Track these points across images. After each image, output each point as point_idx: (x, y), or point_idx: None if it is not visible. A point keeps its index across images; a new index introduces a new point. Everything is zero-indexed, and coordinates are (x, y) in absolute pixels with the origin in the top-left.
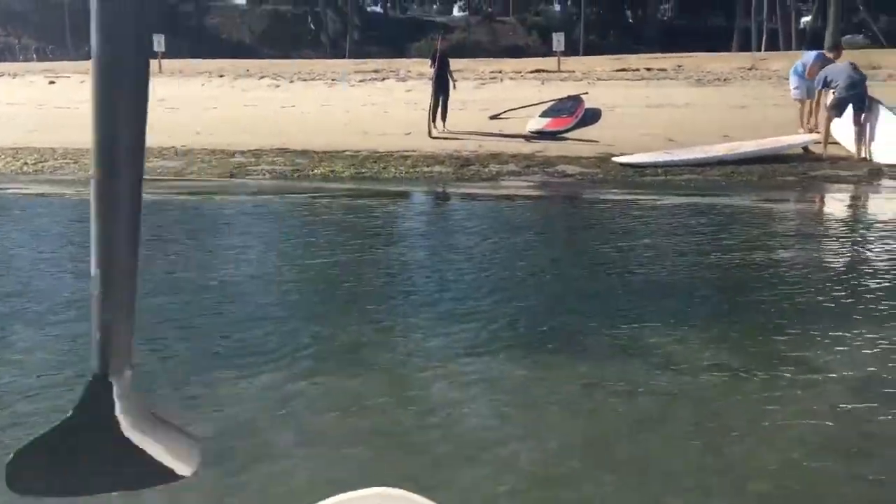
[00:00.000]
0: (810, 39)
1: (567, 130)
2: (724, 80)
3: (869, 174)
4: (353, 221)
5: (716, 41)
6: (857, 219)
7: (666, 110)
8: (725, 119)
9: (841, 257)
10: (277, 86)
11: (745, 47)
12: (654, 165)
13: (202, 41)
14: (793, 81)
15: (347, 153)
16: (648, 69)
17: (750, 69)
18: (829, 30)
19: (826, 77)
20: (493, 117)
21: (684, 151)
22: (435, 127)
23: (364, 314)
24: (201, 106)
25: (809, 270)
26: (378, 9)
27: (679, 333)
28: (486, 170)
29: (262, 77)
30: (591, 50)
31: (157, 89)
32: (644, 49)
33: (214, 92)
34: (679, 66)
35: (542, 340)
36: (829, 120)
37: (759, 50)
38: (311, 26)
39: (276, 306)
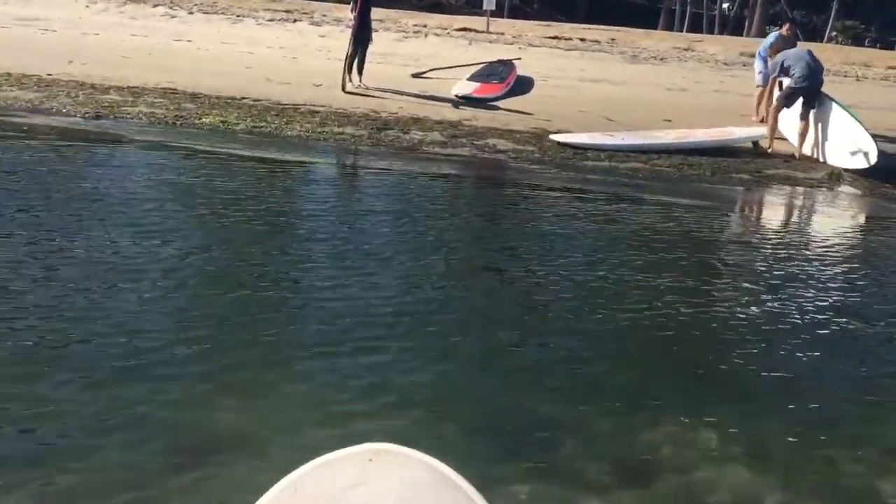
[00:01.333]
0: (732, 26)
1: (497, 98)
2: (661, 59)
3: (829, 178)
4: (230, 198)
5: (639, 18)
6: (821, 239)
7: (602, 86)
8: (665, 102)
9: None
10: (174, 16)
11: (669, 28)
12: (598, 148)
13: None
14: (758, 66)
15: (246, 101)
16: (582, 39)
17: (686, 49)
18: (756, 16)
19: (783, 62)
20: (416, 76)
21: (629, 135)
22: (350, 80)
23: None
24: (80, 30)
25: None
26: None
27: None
28: (407, 136)
29: (156, 5)
30: (516, 15)
31: (31, 7)
32: (568, 21)
33: (99, 17)
34: (612, 40)
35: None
36: (777, 111)
37: (682, 31)
38: None
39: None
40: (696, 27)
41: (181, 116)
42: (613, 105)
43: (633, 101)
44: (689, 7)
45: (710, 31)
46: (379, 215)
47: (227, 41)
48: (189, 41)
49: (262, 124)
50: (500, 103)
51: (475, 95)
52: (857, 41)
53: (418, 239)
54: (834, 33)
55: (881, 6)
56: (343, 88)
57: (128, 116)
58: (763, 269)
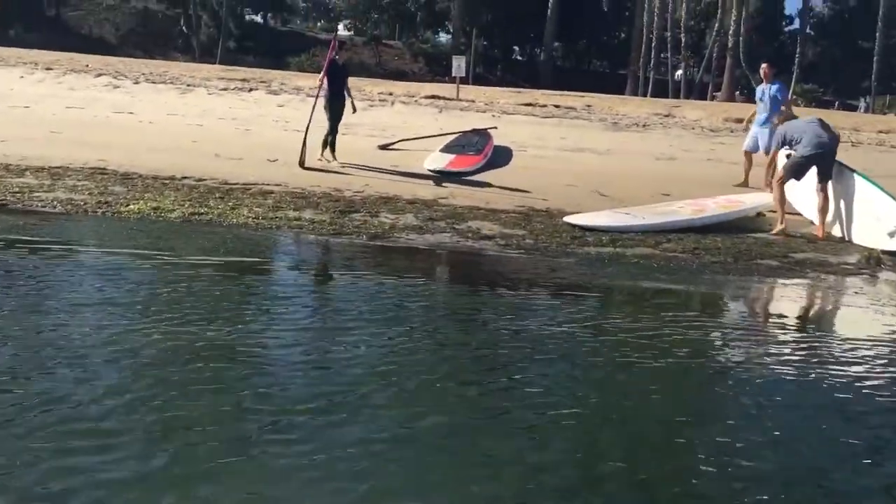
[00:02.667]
0: (699, 90)
1: (474, 172)
2: (644, 125)
3: (867, 263)
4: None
5: (603, 85)
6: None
7: (585, 156)
8: (657, 172)
9: None
10: (117, 86)
11: (635, 94)
12: (620, 230)
13: (58, 34)
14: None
15: (187, 182)
16: (557, 106)
17: (667, 116)
18: (725, 81)
19: (785, 135)
20: (384, 147)
21: (646, 213)
22: (324, 158)
23: None
24: (8, 102)
25: None
26: (258, 18)
27: None
28: (376, 220)
29: (99, 75)
30: (479, 83)
31: None
32: (533, 88)
33: (34, 88)
34: (588, 106)
35: None
36: (781, 183)
37: (646, 96)
38: (183, 29)
39: None
40: (661, 93)
41: (105, 203)
42: (602, 177)
43: (622, 172)
44: (651, 73)
45: (676, 97)
46: (342, 342)
47: (175, 112)
48: (131, 113)
49: (203, 210)
50: (477, 177)
51: (450, 169)
52: (819, 104)
53: (390, 369)
54: (793, 96)
55: (835, 69)
56: (301, 164)
57: (39, 204)
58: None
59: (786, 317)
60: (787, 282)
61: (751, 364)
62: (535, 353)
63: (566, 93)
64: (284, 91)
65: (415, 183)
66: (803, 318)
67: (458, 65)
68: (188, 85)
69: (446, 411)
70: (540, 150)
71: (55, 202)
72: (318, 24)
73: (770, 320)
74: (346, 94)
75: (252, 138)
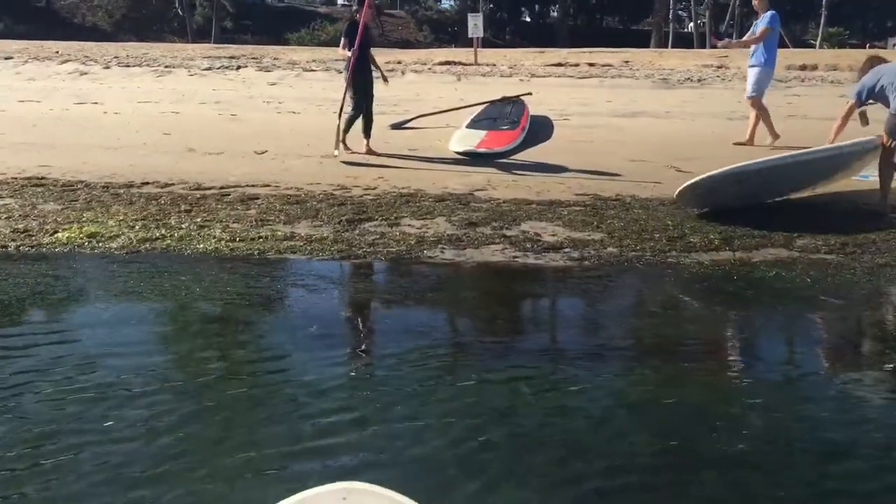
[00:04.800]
0: (700, 43)
1: (513, 150)
2: (699, 80)
3: None
4: None
5: (623, 42)
6: None
7: (643, 121)
8: (735, 135)
9: None
10: (84, 73)
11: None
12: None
13: (49, 25)
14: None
15: (148, 189)
16: (592, 64)
17: (720, 67)
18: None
19: (879, 82)
20: (396, 126)
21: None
22: (343, 147)
23: None
24: None
25: None
26: None
27: None
28: (397, 232)
29: (66, 61)
30: (490, 48)
31: None
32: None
33: None
34: (626, 62)
35: None
36: (891, 151)
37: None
38: (179, 11)
39: None
40: (686, 47)
41: (23, 231)
42: (673, 147)
43: (695, 138)
44: (671, 26)
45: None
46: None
47: (148, 99)
48: (95, 103)
49: (158, 234)
50: (518, 157)
51: (483, 150)
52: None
53: None
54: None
55: (859, 11)
56: (337, 151)
57: None
58: None
59: None
60: None
61: None
62: None
63: (596, 49)
64: (277, 67)
65: (440, 170)
66: None
67: (475, 24)
68: (166, 67)
69: None
70: (586, 118)
71: None
72: None
73: None
74: (374, 66)
75: (237, 126)
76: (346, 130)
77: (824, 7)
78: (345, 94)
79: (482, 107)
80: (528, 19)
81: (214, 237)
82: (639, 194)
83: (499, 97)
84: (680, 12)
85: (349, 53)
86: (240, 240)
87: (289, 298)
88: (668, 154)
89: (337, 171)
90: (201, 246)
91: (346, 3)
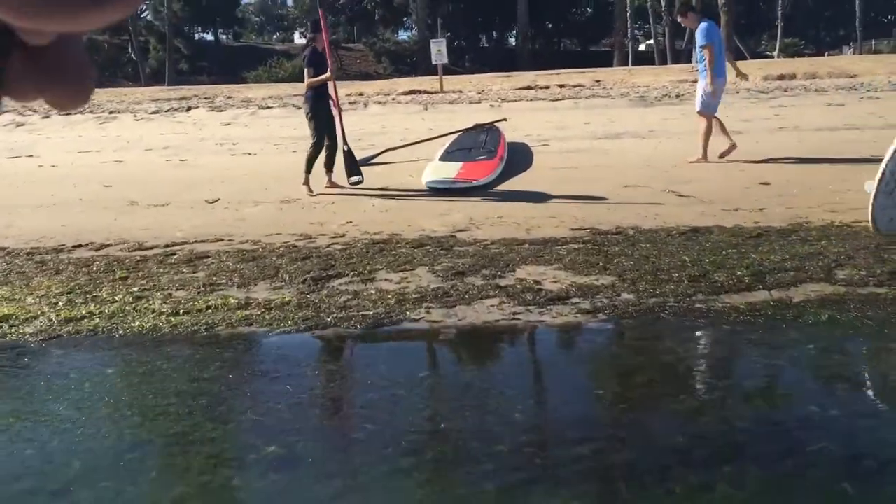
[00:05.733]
0: (660, 60)
1: (491, 182)
2: (677, 95)
3: None
4: None
5: (583, 64)
6: None
7: (626, 142)
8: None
9: None
10: (20, 124)
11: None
12: None
13: None
14: None
15: (80, 253)
16: (562, 86)
17: (695, 82)
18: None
19: None
20: (363, 163)
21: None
22: (308, 189)
23: None
24: None
25: None
26: (209, 36)
27: None
28: (373, 289)
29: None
30: (451, 76)
31: None
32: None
33: None
34: (598, 82)
35: None
36: None
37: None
38: (133, 56)
39: None
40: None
41: None
42: (666, 169)
43: (684, 157)
44: (629, 45)
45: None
46: None
47: (89, 148)
48: (31, 156)
49: (85, 312)
50: (499, 188)
51: (460, 183)
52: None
53: None
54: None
55: (811, 22)
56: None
57: None
58: None
59: None
60: None
61: None
62: None
63: (563, 71)
64: (231, 106)
65: (415, 209)
66: None
67: (438, 49)
68: (111, 112)
69: None
70: (566, 142)
71: None
72: (274, 36)
73: None
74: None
75: (187, 172)
76: (309, 170)
77: (780, 18)
78: (340, 123)
79: (454, 136)
80: (486, 45)
81: (153, 311)
82: (641, 225)
83: (471, 125)
84: (635, 31)
85: (324, 78)
86: (184, 312)
87: (238, 399)
88: (661, 177)
89: (299, 218)
90: (136, 324)
91: (302, 39)
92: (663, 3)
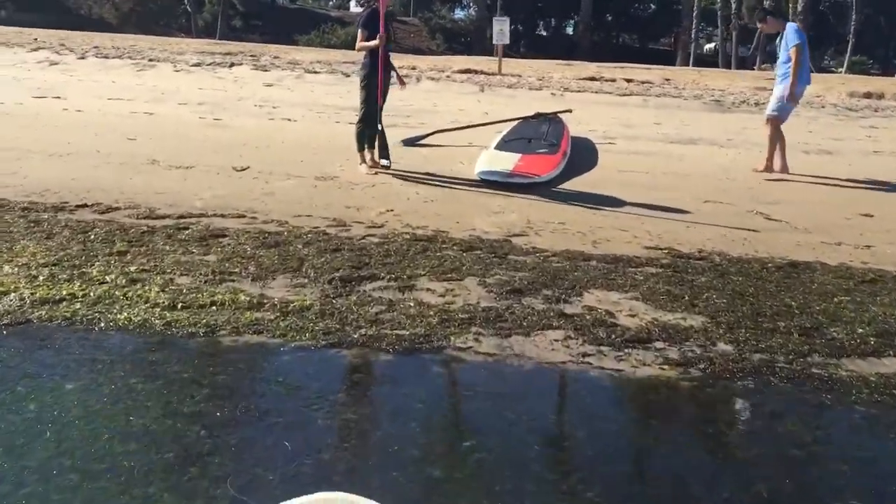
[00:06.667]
0: (724, 64)
1: (553, 180)
2: (755, 104)
3: None
4: None
5: (643, 61)
6: None
7: (703, 149)
8: (811, 171)
9: None
10: (54, 63)
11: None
12: None
13: (54, 14)
14: None
15: (82, 214)
16: (629, 80)
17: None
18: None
19: None
20: (410, 143)
21: None
22: (367, 160)
23: None
24: None
25: None
26: None
27: None
28: (410, 301)
29: (37, 48)
30: (506, 57)
31: None
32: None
33: None
34: (667, 80)
35: None
36: None
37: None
38: (187, 7)
39: None
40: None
41: None
42: (748, 183)
43: (768, 173)
44: (692, 47)
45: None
46: None
47: (122, 96)
48: (58, 98)
49: (67, 293)
50: (560, 188)
51: (517, 176)
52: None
53: None
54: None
55: (881, 41)
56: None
57: None
58: None
59: None
60: None
61: None
62: None
63: (628, 64)
64: (276, 66)
65: (465, 203)
66: None
67: (501, 29)
68: (150, 60)
69: None
70: (634, 143)
71: None
72: (331, 2)
73: None
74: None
75: (219, 133)
76: (362, 147)
77: (852, 35)
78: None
79: (513, 124)
80: (543, 33)
81: (147, 300)
82: (728, 251)
83: (532, 113)
84: (698, 33)
85: (373, 44)
86: (183, 306)
87: (235, 448)
88: (744, 194)
89: (334, 200)
90: (123, 315)
91: (358, 6)
92: (733, 6)
